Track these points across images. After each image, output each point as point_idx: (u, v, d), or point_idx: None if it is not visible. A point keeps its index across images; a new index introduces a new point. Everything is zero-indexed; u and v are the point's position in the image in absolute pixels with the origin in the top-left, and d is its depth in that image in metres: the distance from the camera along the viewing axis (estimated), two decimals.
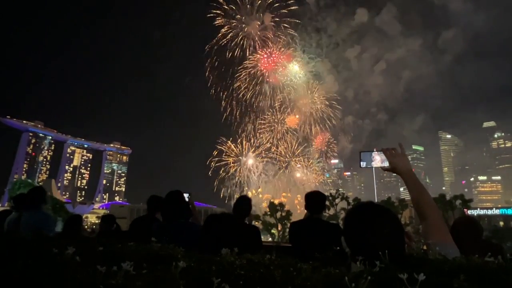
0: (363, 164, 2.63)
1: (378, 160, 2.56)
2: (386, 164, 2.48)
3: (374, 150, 2.61)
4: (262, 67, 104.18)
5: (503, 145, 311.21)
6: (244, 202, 4.77)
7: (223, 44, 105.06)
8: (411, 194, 2.32)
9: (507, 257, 1.77)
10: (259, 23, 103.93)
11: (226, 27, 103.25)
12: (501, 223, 69.99)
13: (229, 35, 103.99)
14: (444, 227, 2.15)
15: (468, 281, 1.11)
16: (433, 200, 2.37)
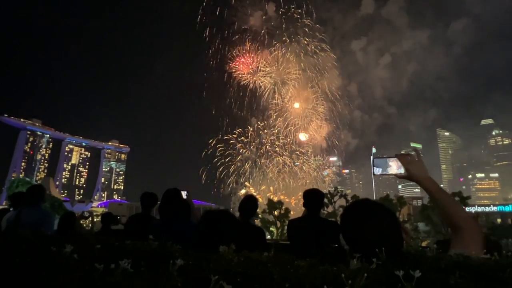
0: (377, 170, 2.47)
1: (394, 167, 2.39)
2: (402, 170, 2.32)
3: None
4: (264, 62, 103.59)
5: (501, 143, 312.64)
6: (250, 202, 4.73)
7: (223, 38, 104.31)
8: (437, 203, 2.14)
9: (504, 254, 1.78)
10: (262, 13, 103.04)
11: (230, 18, 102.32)
12: (499, 220, 70.28)
13: (230, 28, 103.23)
14: (481, 239, 1.95)
15: (465, 278, 1.12)
16: (463, 208, 2.20)
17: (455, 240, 1.97)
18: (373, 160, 2.48)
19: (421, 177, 2.21)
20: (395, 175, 2.36)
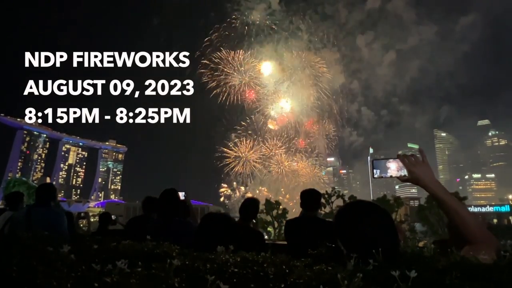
0: (376, 173, 2.27)
1: (394, 168, 2.18)
2: (404, 173, 2.12)
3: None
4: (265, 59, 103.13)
5: (497, 143, 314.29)
6: (251, 205, 4.69)
7: (225, 33, 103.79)
8: (446, 211, 1.96)
9: (501, 254, 1.79)
10: (265, 6, 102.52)
11: (232, 13, 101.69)
12: (495, 221, 70.69)
13: (232, 21, 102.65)
14: (498, 251, 1.76)
15: (461, 278, 1.12)
16: (477, 217, 2.04)
17: (469, 249, 1.81)
18: (372, 162, 2.32)
19: (427, 181, 2.02)
20: (397, 177, 2.16)
